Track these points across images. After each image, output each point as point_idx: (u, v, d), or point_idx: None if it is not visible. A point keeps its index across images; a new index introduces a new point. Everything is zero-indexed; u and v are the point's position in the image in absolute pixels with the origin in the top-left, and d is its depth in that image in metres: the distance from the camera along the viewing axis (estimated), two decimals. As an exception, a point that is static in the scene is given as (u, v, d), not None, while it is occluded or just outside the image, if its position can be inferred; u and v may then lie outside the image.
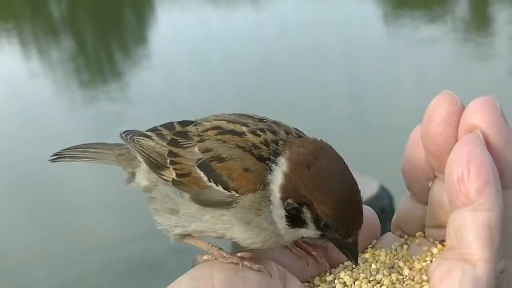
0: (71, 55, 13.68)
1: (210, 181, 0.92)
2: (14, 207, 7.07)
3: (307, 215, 0.89)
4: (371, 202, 4.82)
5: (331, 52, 10.73)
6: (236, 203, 0.90)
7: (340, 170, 0.89)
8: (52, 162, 1.15)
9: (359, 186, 0.88)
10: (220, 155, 0.93)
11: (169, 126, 1.03)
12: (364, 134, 7.30)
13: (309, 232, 0.91)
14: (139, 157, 1.03)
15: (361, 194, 0.89)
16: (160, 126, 1.05)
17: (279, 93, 8.99)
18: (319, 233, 0.90)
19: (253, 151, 0.91)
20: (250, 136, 0.93)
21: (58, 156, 1.15)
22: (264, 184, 0.90)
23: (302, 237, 0.93)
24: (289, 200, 0.89)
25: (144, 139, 1.03)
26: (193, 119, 1.04)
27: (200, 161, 0.94)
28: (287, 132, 0.95)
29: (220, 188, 0.91)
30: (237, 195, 0.90)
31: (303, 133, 0.97)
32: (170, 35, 14.31)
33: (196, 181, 0.94)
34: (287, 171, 0.89)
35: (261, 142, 0.92)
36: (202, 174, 0.93)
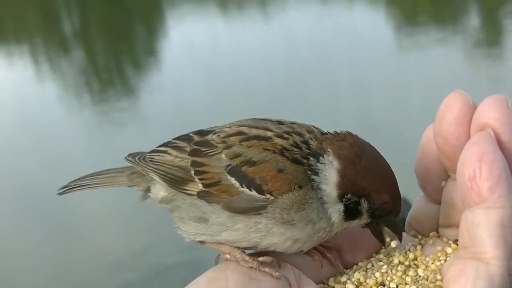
0: (82, 69, 13.79)
1: (242, 187, 0.90)
2: (21, 216, 7.08)
3: (364, 205, 0.91)
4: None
5: (342, 65, 10.72)
6: (271, 206, 0.89)
7: (380, 156, 0.93)
8: (60, 194, 1.11)
9: None
10: (251, 159, 0.91)
11: (186, 137, 1.00)
12: (379, 144, 7.24)
13: (362, 221, 0.93)
14: (153, 176, 0.99)
15: None
16: (174, 139, 1.01)
17: (289, 104, 8.98)
18: (370, 220, 0.93)
19: (285, 153, 0.91)
20: (278, 140, 0.92)
21: (67, 188, 1.11)
22: (305, 185, 0.89)
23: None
24: (348, 195, 0.91)
25: (158, 155, 1.00)
26: (206, 128, 1.01)
27: (230, 167, 0.91)
28: (309, 131, 0.95)
29: (254, 192, 0.89)
30: (272, 197, 0.89)
31: (319, 128, 0.98)
32: (180, 48, 14.39)
33: (227, 189, 0.91)
34: (340, 167, 0.90)
35: (291, 145, 0.91)
36: (233, 181, 0.91)
